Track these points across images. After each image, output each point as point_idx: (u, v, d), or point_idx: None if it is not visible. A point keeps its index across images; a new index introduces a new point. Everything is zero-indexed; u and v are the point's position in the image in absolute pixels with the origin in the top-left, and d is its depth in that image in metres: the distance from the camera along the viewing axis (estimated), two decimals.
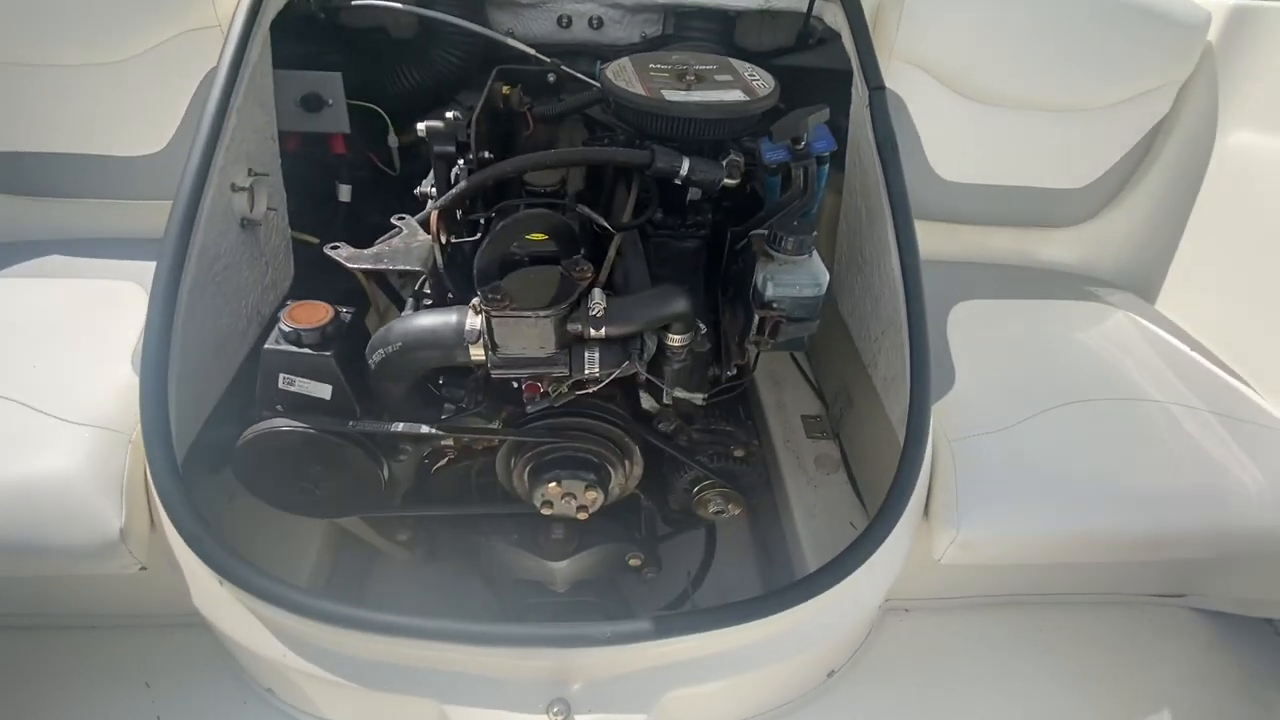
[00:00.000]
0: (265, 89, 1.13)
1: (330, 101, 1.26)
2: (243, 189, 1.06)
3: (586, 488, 0.95)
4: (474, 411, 0.95)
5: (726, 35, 1.52)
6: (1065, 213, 1.37)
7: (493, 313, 0.77)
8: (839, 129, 1.07)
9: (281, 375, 0.85)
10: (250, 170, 1.10)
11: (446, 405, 0.97)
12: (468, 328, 0.82)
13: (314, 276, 1.37)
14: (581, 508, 0.97)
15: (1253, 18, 1.22)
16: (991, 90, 1.23)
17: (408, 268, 0.88)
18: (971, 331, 1.18)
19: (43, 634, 0.99)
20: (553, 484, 0.94)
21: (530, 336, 0.80)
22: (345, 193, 1.42)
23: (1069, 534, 0.92)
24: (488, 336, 0.80)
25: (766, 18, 1.47)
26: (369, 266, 0.87)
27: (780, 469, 1.45)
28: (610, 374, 0.84)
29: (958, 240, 1.38)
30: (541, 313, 0.77)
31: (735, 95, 0.97)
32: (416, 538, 1.21)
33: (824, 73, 1.39)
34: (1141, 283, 1.38)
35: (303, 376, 0.86)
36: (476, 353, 0.83)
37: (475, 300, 0.84)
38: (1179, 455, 1.00)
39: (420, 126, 1.00)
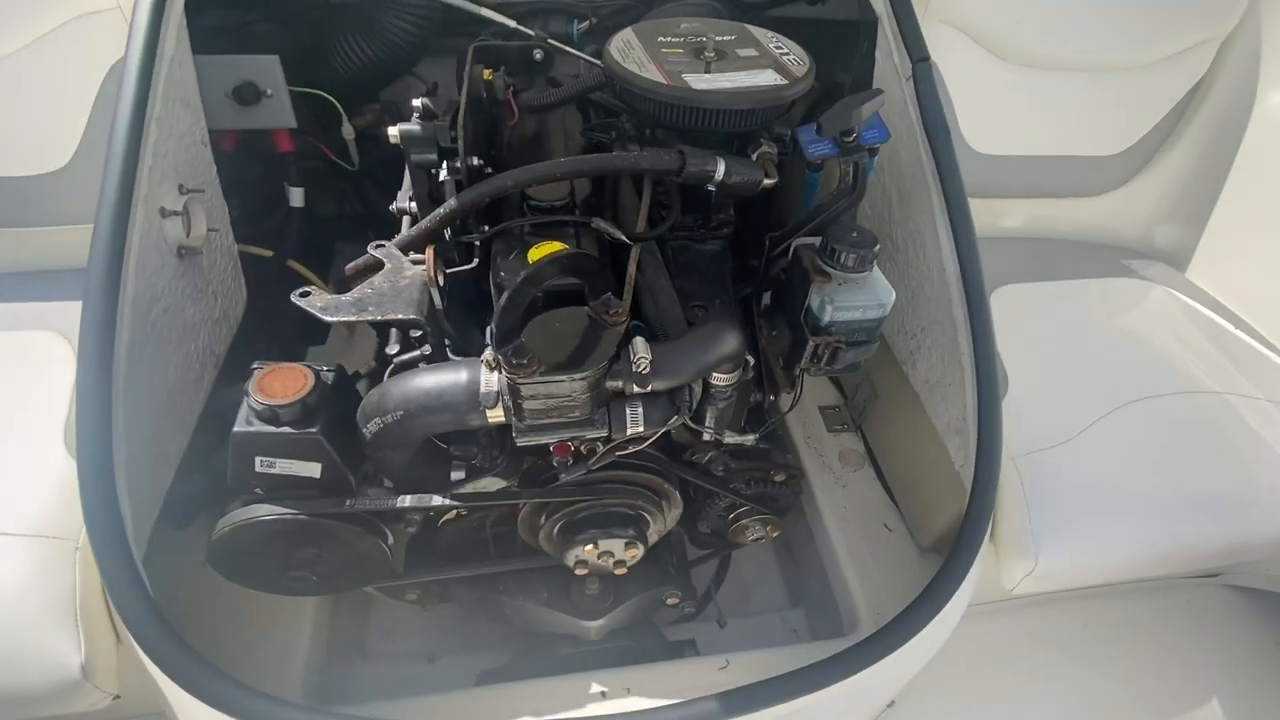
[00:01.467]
0: (187, 83, 0.92)
1: (269, 92, 1.05)
2: (175, 213, 0.88)
3: (626, 545, 0.84)
4: (490, 471, 0.82)
5: None
6: (1098, 180, 1.27)
7: (519, 381, 0.63)
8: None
9: (258, 459, 0.71)
10: (181, 187, 0.91)
11: (454, 462, 0.83)
12: (483, 390, 0.68)
13: (270, 294, 1.19)
14: (620, 564, 0.86)
15: None
16: (1030, 51, 1.10)
17: (400, 316, 0.72)
18: (1016, 322, 1.09)
19: None
20: (588, 546, 0.83)
21: (563, 400, 0.66)
22: (297, 196, 1.22)
23: (1148, 554, 0.87)
24: (512, 402, 0.67)
25: None
26: (352, 318, 0.71)
27: (802, 466, 1.37)
28: (656, 432, 0.71)
29: (988, 213, 1.27)
30: (577, 375, 0.64)
31: (770, 77, 0.82)
32: (428, 590, 1.09)
33: (829, 25, 1.23)
34: (1173, 250, 1.31)
35: (284, 457, 0.71)
36: (495, 415, 0.69)
37: (488, 353, 0.70)
38: (1246, 455, 0.94)
39: (392, 131, 0.82)
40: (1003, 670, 1.06)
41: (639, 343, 0.67)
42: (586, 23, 1.38)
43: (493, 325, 0.70)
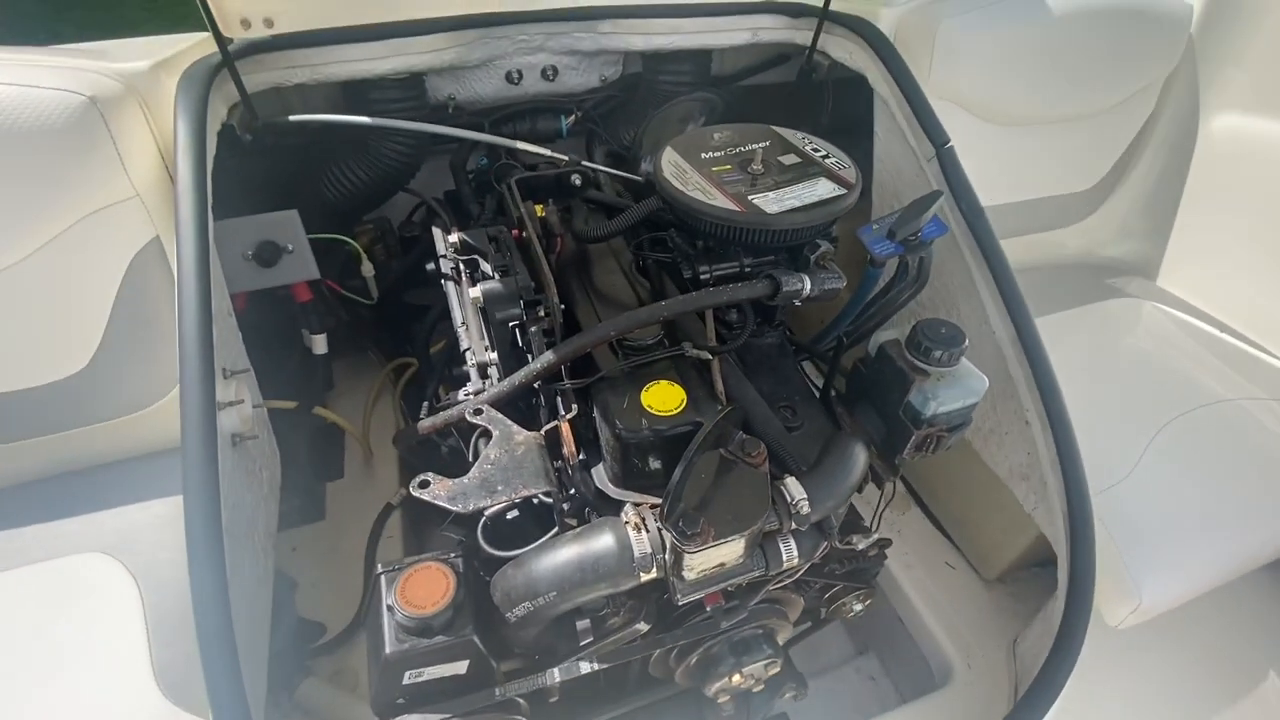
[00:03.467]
0: (216, 258, 0.86)
1: (289, 248, 1.00)
2: (232, 404, 0.81)
3: (766, 665, 0.83)
4: (619, 614, 0.79)
5: (702, 69, 1.38)
6: (1072, 213, 1.39)
7: (691, 551, 0.62)
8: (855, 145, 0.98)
9: (408, 673, 0.66)
10: (225, 370, 0.84)
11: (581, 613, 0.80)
12: (637, 555, 0.66)
13: (291, 443, 1.11)
14: (759, 683, 0.86)
15: (1231, 6, 1.26)
16: (1012, 112, 1.20)
17: (533, 492, 0.70)
18: None
19: None
20: (733, 676, 0.81)
21: (727, 556, 0.66)
22: (320, 344, 1.15)
23: (1233, 563, 0.94)
24: (672, 564, 0.65)
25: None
26: (488, 504, 0.68)
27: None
28: (809, 562, 0.72)
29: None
30: (743, 535, 0.63)
31: (827, 188, 0.85)
32: None
33: (792, 86, 1.30)
34: (1143, 262, 1.44)
35: (433, 665, 0.67)
36: (649, 576, 0.68)
37: (629, 512, 0.69)
38: (1274, 452, 1.04)
39: (474, 293, 0.79)
40: (1123, 700, 1.10)
41: (792, 483, 0.67)
42: (573, 117, 1.40)
43: (608, 471, 0.68)
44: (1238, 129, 1.29)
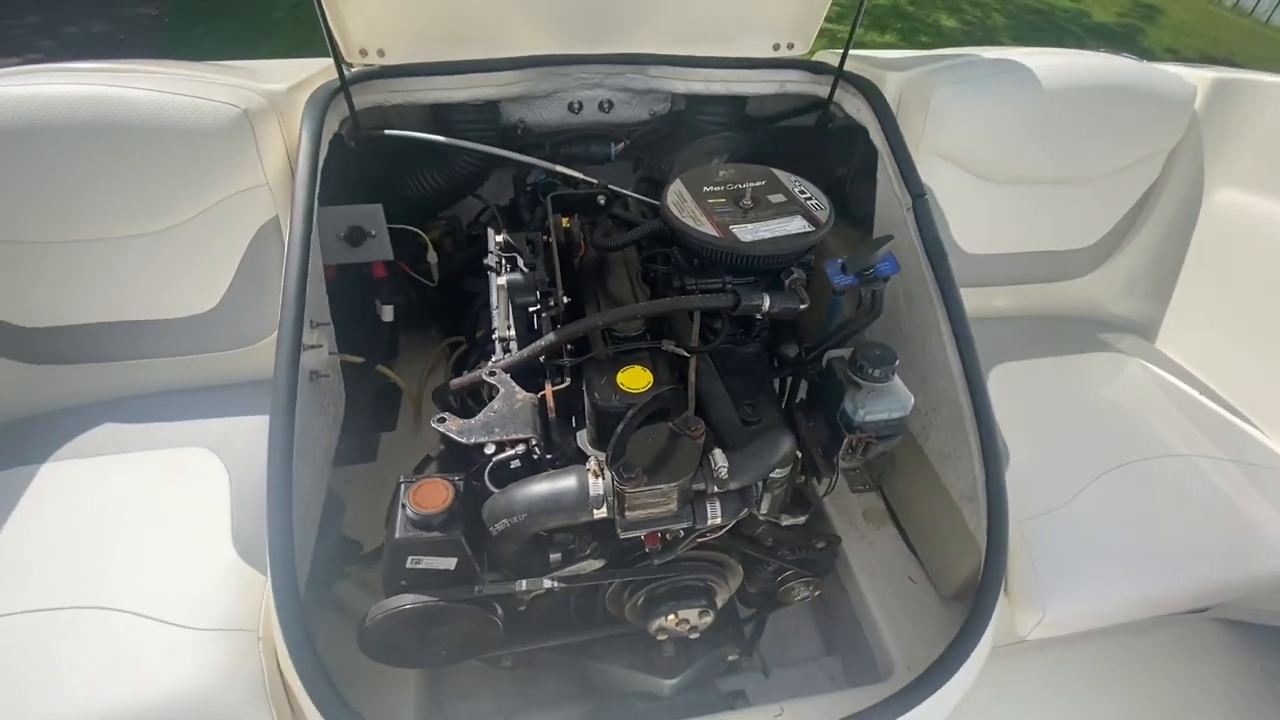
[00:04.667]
0: (315, 236, 1.12)
1: (373, 233, 1.26)
2: (313, 347, 1.06)
3: (700, 613, 1.00)
4: (585, 554, 0.98)
5: (738, 110, 1.57)
6: (1073, 269, 1.48)
7: (629, 490, 0.80)
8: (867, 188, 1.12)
9: (410, 558, 0.87)
10: (311, 322, 1.09)
11: (553, 547, 1.00)
12: (592, 494, 0.85)
13: (356, 393, 1.36)
14: (694, 630, 1.02)
15: (1234, 89, 1.34)
16: (1006, 171, 1.32)
17: (520, 436, 0.90)
18: (1012, 399, 1.27)
19: None
20: (669, 616, 0.99)
21: (659, 502, 0.84)
22: (388, 313, 1.42)
23: (1135, 599, 1.03)
24: (618, 506, 0.84)
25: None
26: (484, 439, 0.89)
27: (832, 525, 1.52)
28: (731, 523, 0.88)
29: (979, 299, 1.47)
30: (673, 484, 0.81)
31: (799, 224, 1.02)
32: (519, 656, 1.23)
33: (840, 130, 1.46)
34: (1145, 324, 1.50)
35: (430, 555, 0.88)
36: (600, 514, 0.86)
37: (591, 463, 0.88)
38: (1213, 509, 1.11)
39: (500, 282, 1.01)
40: (1021, 707, 1.20)
41: (718, 454, 0.84)
42: (621, 144, 1.61)
43: (588, 433, 0.87)
44: (1239, 205, 1.35)
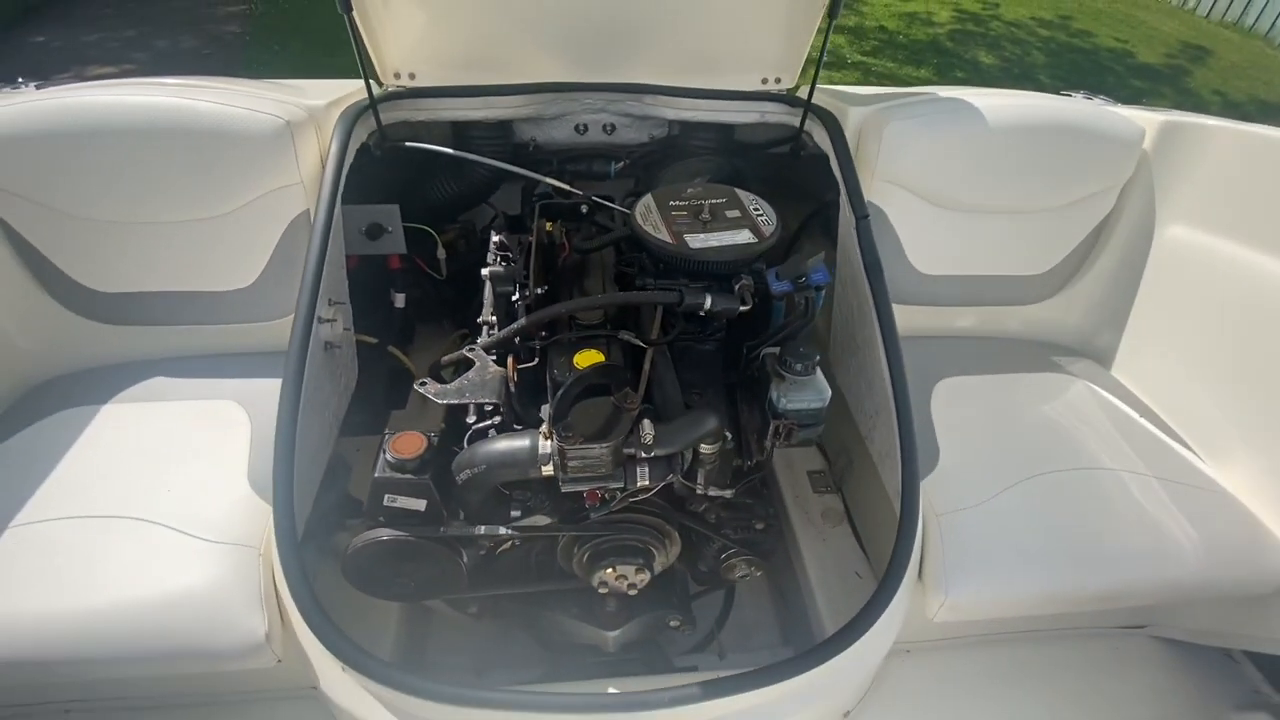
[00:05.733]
0: (339, 229, 1.32)
1: (390, 229, 1.45)
2: (328, 321, 1.25)
3: (636, 570, 1.13)
4: (539, 510, 1.13)
5: (726, 137, 1.72)
6: (1029, 293, 1.57)
7: (565, 447, 0.95)
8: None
9: (386, 495, 1.04)
10: (330, 300, 1.29)
11: (514, 504, 1.15)
12: (540, 452, 1.01)
13: (373, 370, 1.56)
14: (632, 585, 1.16)
15: (1180, 131, 1.43)
16: (959, 200, 1.43)
17: (485, 400, 1.06)
18: (953, 410, 1.38)
19: (187, 711, 1.17)
20: (609, 570, 1.12)
21: (594, 461, 0.98)
22: (400, 300, 1.61)
23: (1038, 594, 1.11)
24: (559, 462, 0.99)
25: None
26: (455, 401, 1.06)
27: (791, 523, 1.63)
28: (658, 485, 1.02)
29: (938, 318, 1.58)
30: (604, 444, 0.96)
31: (745, 236, 1.16)
32: (482, 606, 1.38)
33: (811, 157, 1.60)
34: (1100, 350, 1.59)
35: (404, 495, 1.04)
36: (548, 470, 1.01)
37: (544, 427, 1.03)
38: (1127, 518, 1.19)
39: (484, 272, 1.19)
40: (945, 693, 1.28)
41: (646, 423, 0.99)
42: (621, 163, 1.79)
43: (550, 408, 1.03)
44: (1187, 240, 1.43)
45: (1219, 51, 6.59)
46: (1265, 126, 1.36)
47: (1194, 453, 1.36)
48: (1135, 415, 1.40)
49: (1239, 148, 1.36)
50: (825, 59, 1.46)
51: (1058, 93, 1.80)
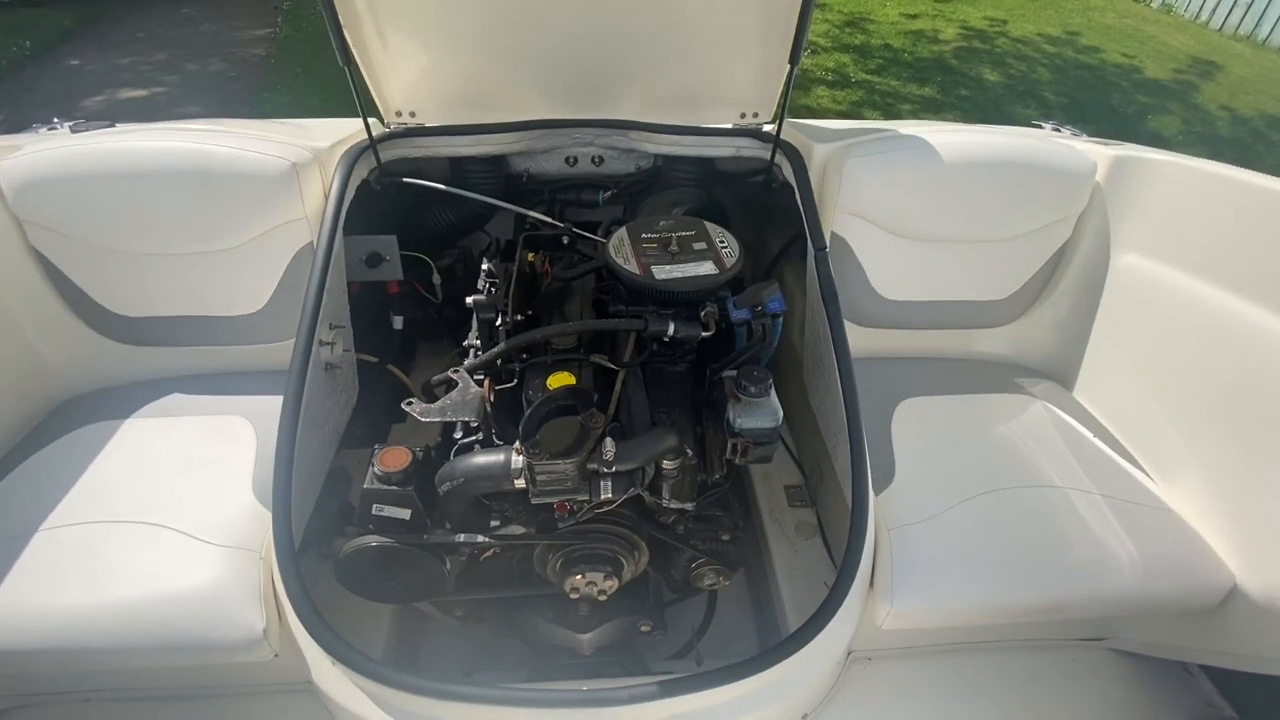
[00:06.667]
0: (340, 258, 1.43)
1: (388, 258, 1.57)
2: (328, 343, 1.36)
3: (605, 577, 1.23)
4: (516, 520, 1.23)
5: (707, 168, 1.82)
6: (993, 317, 1.65)
7: (534, 462, 1.05)
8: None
9: (374, 505, 1.14)
10: (330, 324, 1.40)
11: (494, 514, 1.25)
12: (513, 466, 1.10)
13: (372, 388, 1.67)
14: (602, 592, 1.25)
15: (1130, 165, 1.50)
16: (918, 231, 1.52)
17: (466, 419, 1.16)
18: (912, 429, 1.45)
19: (194, 702, 1.28)
20: (579, 576, 1.22)
21: (561, 476, 1.08)
22: (398, 322, 1.73)
23: (981, 605, 1.18)
24: (529, 476, 1.08)
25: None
26: (438, 419, 1.16)
27: (766, 535, 1.71)
28: (621, 498, 1.11)
29: (905, 340, 1.66)
30: (569, 460, 1.05)
31: (708, 268, 1.26)
32: (468, 610, 1.48)
33: (785, 186, 1.69)
34: (1061, 372, 1.65)
35: (390, 505, 1.14)
36: (520, 484, 1.11)
37: (517, 444, 1.13)
38: (1071, 534, 1.26)
39: (469, 300, 1.29)
40: (905, 701, 1.35)
41: (609, 441, 1.08)
42: (609, 192, 1.89)
43: (521, 425, 1.12)
44: (1140, 269, 1.50)
45: (1229, 66, 6.58)
46: (1210, 161, 1.42)
47: (1144, 472, 1.42)
48: (1089, 435, 1.47)
49: (1185, 181, 1.42)
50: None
51: (1028, 124, 1.88)
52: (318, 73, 5.90)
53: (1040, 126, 1.88)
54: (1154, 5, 8.27)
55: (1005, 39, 6.80)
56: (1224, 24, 7.62)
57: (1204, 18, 7.83)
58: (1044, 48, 6.70)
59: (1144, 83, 6.14)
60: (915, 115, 5.31)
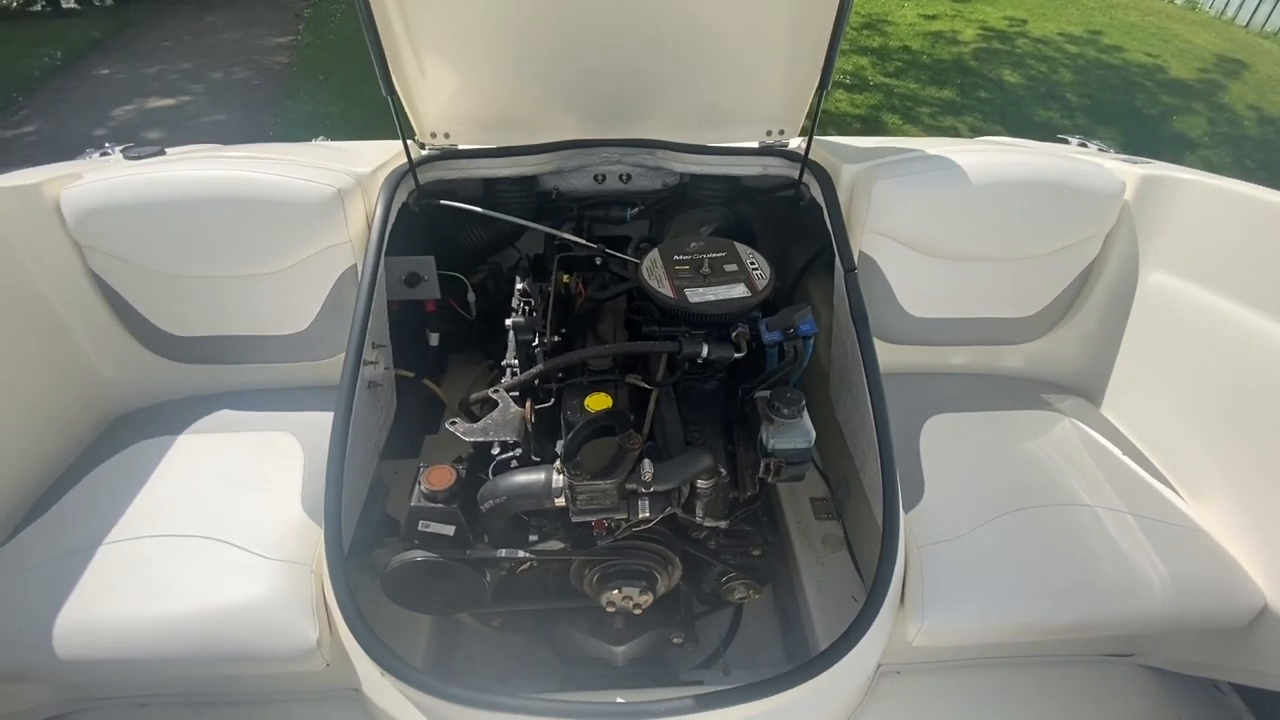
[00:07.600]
0: (382, 280, 1.48)
1: (426, 278, 1.62)
2: (371, 363, 1.41)
3: (640, 592, 1.26)
4: (554, 536, 1.27)
5: (734, 185, 1.85)
6: (1021, 333, 1.66)
7: (575, 483, 1.09)
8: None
9: (421, 521, 1.19)
10: (373, 343, 1.45)
11: (531, 530, 1.29)
12: (554, 485, 1.14)
13: (408, 402, 1.72)
14: (637, 605, 1.28)
15: (1159, 185, 1.51)
16: (946, 250, 1.54)
17: (508, 439, 1.21)
18: (940, 445, 1.47)
19: (247, 708, 1.34)
20: (615, 590, 1.25)
21: (601, 495, 1.12)
22: (435, 339, 1.78)
23: (1010, 623, 1.20)
24: (569, 495, 1.12)
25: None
26: (480, 439, 1.20)
27: (794, 548, 1.74)
28: (658, 517, 1.15)
29: (933, 356, 1.68)
30: (609, 481, 1.09)
31: (740, 291, 1.29)
32: (505, 620, 1.52)
33: (812, 203, 1.72)
34: (1089, 388, 1.66)
35: (435, 521, 1.19)
36: (560, 502, 1.15)
37: (558, 464, 1.17)
38: (1100, 553, 1.27)
39: (508, 322, 1.34)
40: (933, 716, 1.38)
41: (646, 462, 1.12)
42: (637, 209, 1.93)
43: (562, 445, 1.16)
44: (1168, 287, 1.50)
45: (1256, 64, 6.48)
46: (1239, 182, 1.43)
47: (1174, 490, 1.43)
48: (1118, 453, 1.48)
49: (1214, 201, 1.43)
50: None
51: (1054, 138, 1.88)
52: (338, 80, 5.99)
53: (1067, 141, 1.89)
54: (1178, 2, 8.15)
55: (1025, 39, 6.74)
56: (1250, 20, 7.49)
57: (1229, 14, 7.70)
58: (1065, 48, 6.63)
59: (1168, 82, 6.06)
60: (934, 118, 5.29)
